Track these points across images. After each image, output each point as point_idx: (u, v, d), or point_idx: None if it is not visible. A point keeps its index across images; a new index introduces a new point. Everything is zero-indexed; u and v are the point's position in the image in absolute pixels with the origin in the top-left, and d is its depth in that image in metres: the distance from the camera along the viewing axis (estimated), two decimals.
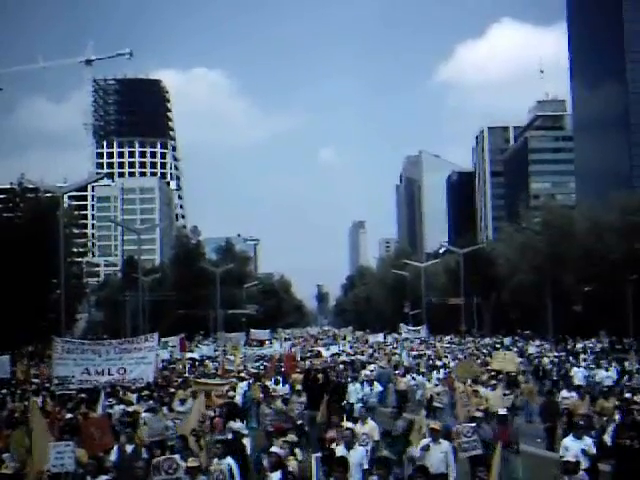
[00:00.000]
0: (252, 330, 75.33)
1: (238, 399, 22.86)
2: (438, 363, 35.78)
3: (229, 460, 12.30)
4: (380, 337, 69.07)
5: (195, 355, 47.62)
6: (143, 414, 18.17)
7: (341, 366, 36.33)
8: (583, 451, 13.59)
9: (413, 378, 29.64)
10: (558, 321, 71.65)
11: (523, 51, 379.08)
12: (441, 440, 13.76)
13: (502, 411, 17.39)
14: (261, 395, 22.97)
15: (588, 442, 14.12)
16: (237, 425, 16.77)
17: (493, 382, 23.12)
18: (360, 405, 21.63)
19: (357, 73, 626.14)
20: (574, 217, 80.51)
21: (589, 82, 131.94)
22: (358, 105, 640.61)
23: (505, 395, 23.25)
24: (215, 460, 12.26)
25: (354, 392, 25.17)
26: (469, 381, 24.61)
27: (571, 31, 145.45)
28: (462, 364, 28.74)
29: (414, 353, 45.10)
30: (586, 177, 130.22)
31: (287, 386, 26.14)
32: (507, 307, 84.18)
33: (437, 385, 27.31)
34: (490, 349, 47.03)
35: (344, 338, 77.44)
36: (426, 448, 13.57)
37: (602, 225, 71.59)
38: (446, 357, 40.81)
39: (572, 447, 13.72)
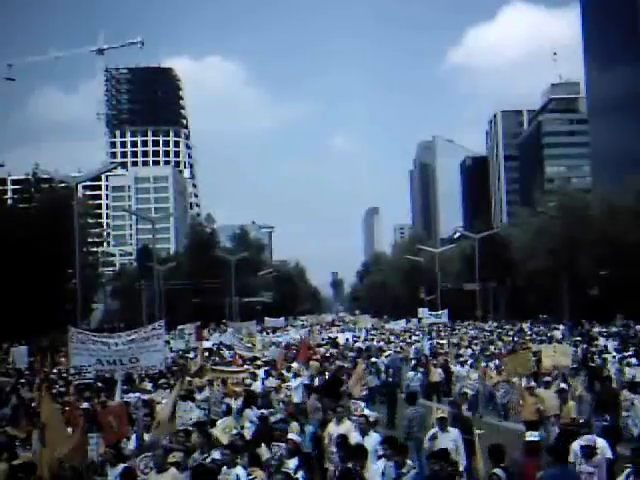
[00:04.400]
0: (266, 318, 75.51)
1: (257, 385, 22.72)
2: (463, 352, 34.67)
3: (239, 470, 11.57)
4: (402, 324, 67.77)
5: (209, 344, 47.65)
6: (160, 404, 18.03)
7: (351, 353, 35.88)
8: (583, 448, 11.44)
9: (462, 365, 28.32)
10: (574, 305, 71.33)
11: (535, 33, 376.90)
12: (450, 428, 13.59)
13: (532, 436, 11.73)
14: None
15: (601, 445, 11.96)
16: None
17: (547, 379, 19.62)
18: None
19: (367, 60, 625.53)
20: (590, 200, 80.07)
21: (603, 64, 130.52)
22: (369, 91, 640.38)
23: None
24: (224, 469, 11.58)
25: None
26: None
27: (584, 11, 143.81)
28: (514, 357, 23.58)
29: (438, 341, 44.19)
30: (601, 160, 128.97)
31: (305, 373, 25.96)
32: (523, 292, 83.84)
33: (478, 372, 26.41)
34: (537, 337, 44.65)
35: (355, 324, 76.29)
36: (433, 437, 13.47)
37: (618, 208, 71.14)
38: (476, 345, 39.88)
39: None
